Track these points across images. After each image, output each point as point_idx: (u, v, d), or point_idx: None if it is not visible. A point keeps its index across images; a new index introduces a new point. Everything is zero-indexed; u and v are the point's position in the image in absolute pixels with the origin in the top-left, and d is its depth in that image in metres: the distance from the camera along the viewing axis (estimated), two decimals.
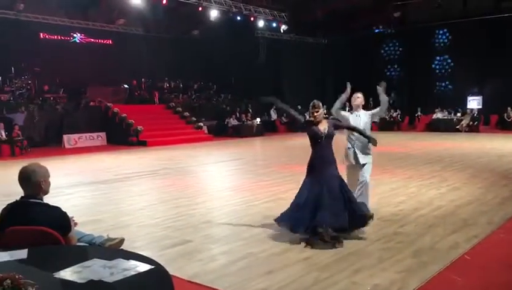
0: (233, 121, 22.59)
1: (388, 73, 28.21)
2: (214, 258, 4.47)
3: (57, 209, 3.03)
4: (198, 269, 4.17)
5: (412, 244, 4.77)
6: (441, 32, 25.97)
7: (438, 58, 26.27)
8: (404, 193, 7.48)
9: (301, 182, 5.22)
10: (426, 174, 9.36)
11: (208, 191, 8.43)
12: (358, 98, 5.94)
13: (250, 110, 24.36)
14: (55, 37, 21.58)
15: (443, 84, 26.33)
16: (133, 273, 2.19)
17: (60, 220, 2.94)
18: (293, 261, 4.32)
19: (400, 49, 27.73)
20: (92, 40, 22.91)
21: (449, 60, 25.93)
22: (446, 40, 26.00)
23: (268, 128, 24.14)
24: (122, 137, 18.86)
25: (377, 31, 27.53)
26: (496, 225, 5.41)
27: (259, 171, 10.46)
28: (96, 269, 2.23)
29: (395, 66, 28.00)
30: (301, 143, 18.00)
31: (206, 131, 21.52)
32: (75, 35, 22.35)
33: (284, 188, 8.08)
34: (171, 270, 4.10)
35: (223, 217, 6.16)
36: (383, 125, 24.13)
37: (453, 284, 3.77)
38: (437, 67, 26.38)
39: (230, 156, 13.90)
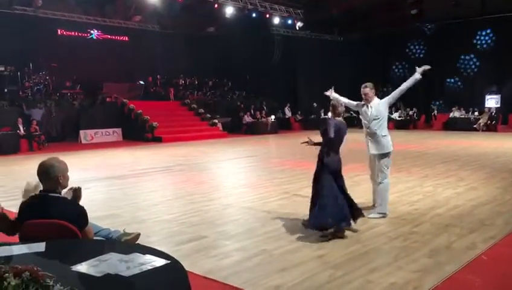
0: (247, 118, 22.60)
1: (404, 70, 27.92)
2: (228, 255, 4.48)
3: (74, 203, 3.07)
4: (213, 265, 4.18)
5: (428, 243, 4.72)
6: (459, 30, 25.56)
7: (462, 57, 25.72)
8: (420, 191, 7.41)
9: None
10: (442, 173, 9.25)
11: (223, 187, 8.45)
12: (365, 87, 5.95)
13: (265, 108, 24.35)
14: (73, 33, 21.81)
15: (459, 82, 25.93)
16: (149, 267, 2.21)
17: (78, 214, 2.98)
18: (307, 258, 4.31)
19: (418, 47, 27.39)
20: (109, 36, 23.11)
21: (475, 60, 25.42)
22: (466, 39, 25.59)
23: (282, 126, 24.11)
24: (137, 133, 19.02)
25: (397, 28, 27.19)
26: None
27: (273, 168, 10.45)
28: (112, 262, 2.25)
29: (413, 64, 27.66)
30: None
31: (220, 128, 21.58)
32: (92, 31, 22.56)
33: (298, 185, 8.07)
34: (186, 266, 4.12)
35: (238, 214, 6.17)
36: (399, 123, 23.97)
37: (469, 284, 3.72)
38: (461, 66, 25.88)
39: (245, 153, 13.92)
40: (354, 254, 4.41)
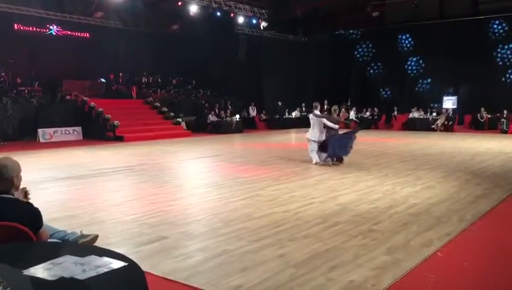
0: (212, 117, 22.49)
1: (366, 72, 28.53)
2: (190, 255, 4.44)
3: (28, 205, 2.97)
4: (174, 266, 4.14)
5: (386, 241, 4.83)
6: (417, 32, 26.35)
7: (412, 58, 26.61)
8: (380, 190, 7.58)
9: (278, 180, 5.25)
10: (401, 172, 9.50)
11: (185, 187, 8.38)
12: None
13: (230, 107, 24.30)
14: (31, 28, 21.05)
15: (419, 84, 26.73)
16: (106, 270, 2.16)
17: (32, 216, 2.88)
18: (268, 258, 4.33)
19: (378, 49, 28.03)
20: (69, 32, 22.43)
21: (420, 61, 26.32)
22: (424, 40, 26.40)
23: (247, 125, 24.13)
24: (98, 132, 18.60)
25: (355, 30, 27.78)
26: (468, 223, 5.54)
27: (237, 168, 10.45)
28: (67, 266, 2.19)
29: (372, 66, 28.30)
30: (279, 140, 18.14)
31: (184, 127, 21.37)
32: (51, 27, 21.85)
33: (261, 185, 8.10)
34: (146, 267, 4.08)
35: (200, 214, 6.13)
36: (359, 123, 24.44)
37: (425, 280, 3.84)
38: (413, 67, 26.74)
39: (209, 153, 13.85)
40: (315, 253, 4.47)
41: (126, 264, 2.25)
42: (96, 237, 3.71)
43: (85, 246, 3.22)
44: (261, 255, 4.41)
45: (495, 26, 23.33)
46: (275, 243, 4.77)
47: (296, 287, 3.67)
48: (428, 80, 26.34)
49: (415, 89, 26.78)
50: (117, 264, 2.23)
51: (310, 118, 10.92)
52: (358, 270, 4.00)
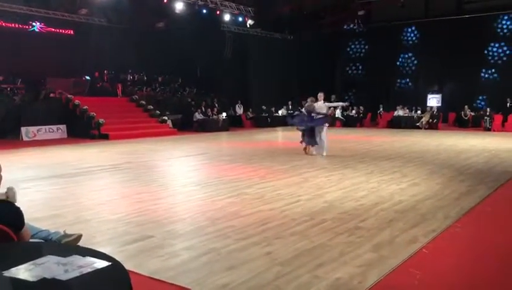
0: (198, 116, 22.39)
1: (351, 71, 28.69)
2: (176, 254, 4.40)
3: (9, 204, 2.90)
4: (159, 265, 4.09)
5: (372, 238, 4.85)
6: (405, 31, 26.57)
7: (402, 55, 26.81)
8: (366, 187, 7.61)
9: (264, 178, 5.24)
10: (387, 169, 9.56)
11: (171, 186, 8.31)
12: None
13: (216, 105, 24.22)
14: (13, 25, 20.75)
15: (404, 82, 26.97)
16: (89, 270, 2.11)
17: (13, 216, 2.82)
18: (255, 256, 4.31)
19: (365, 47, 28.22)
20: (53, 29, 22.18)
21: (413, 58, 26.55)
22: (410, 39, 26.64)
23: (234, 123, 24.10)
24: (83, 130, 18.40)
25: (344, 28, 27.86)
26: (453, 219, 5.59)
27: (223, 166, 10.42)
28: (49, 266, 2.14)
29: (359, 64, 28.47)
30: (265, 138, 18.14)
31: (170, 125, 21.26)
32: (34, 24, 21.57)
33: (248, 183, 8.08)
34: (132, 267, 4.04)
35: (186, 213, 6.09)
36: (346, 121, 24.61)
37: (411, 277, 3.85)
38: (400, 65, 26.96)
39: (195, 151, 13.79)
40: (301, 250, 4.46)
41: (110, 264, 2.21)
42: (79, 237, 3.65)
43: (68, 246, 3.17)
44: (247, 254, 4.39)
45: (480, 25, 23.57)
46: (262, 241, 4.75)
47: (282, 284, 3.66)
48: (413, 78, 26.57)
49: (400, 87, 27.00)
50: (100, 264, 2.19)
51: (318, 107, 12.02)
52: (344, 268, 4.01)
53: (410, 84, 26.80)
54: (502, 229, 5.42)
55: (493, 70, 24.25)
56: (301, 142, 12.24)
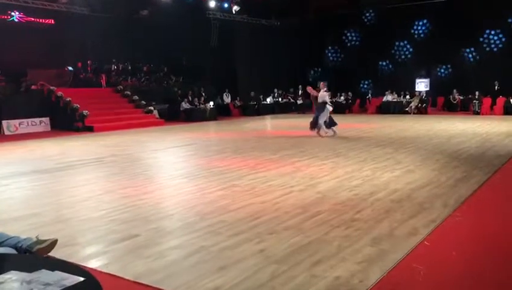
0: (185, 105, 21.96)
1: (338, 56, 28.35)
2: (163, 254, 4.11)
3: None
4: (145, 268, 3.80)
5: (370, 231, 4.61)
6: (391, 15, 26.20)
7: (397, 43, 26.32)
8: (359, 176, 7.37)
9: (255, 168, 4.96)
10: (380, 156, 9.34)
11: (158, 179, 8.00)
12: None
13: (203, 94, 23.80)
14: None
15: (391, 66, 26.68)
16: (56, 289, 1.82)
17: None
18: (248, 254, 4.04)
19: (351, 33, 27.84)
20: (32, 19, 21.46)
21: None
22: (396, 24, 26.29)
23: (221, 113, 23.73)
24: (67, 122, 17.93)
25: (332, 13, 27.42)
26: (452, 208, 5.37)
27: (212, 157, 10.11)
28: (10, 286, 1.84)
29: (346, 50, 28.10)
30: (255, 128, 17.84)
31: (157, 115, 20.84)
32: (13, 13, 20.85)
33: (238, 174, 7.80)
34: (115, 270, 3.76)
35: (174, 208, 5.79)
36: (334, 108, 24.31)
37: (415, 273, 3.62)
38: (392, 51, 26.56)
39: (183, 142, 13.44)
40: (297, 246, 4.20)
41: (82, 279, 1.91)
42: (54, 242, 3.32)
43: (35, 258, 2.85)
44: (239, 251, 4.12)
45: (468, 9, 23.25)
46: (254, 237, 4.48)
47: (278, 286, 3.40)
48: (401, 63, 26.32)
49: (387, 71, 26.75)
50: (71, 280, 1.89)
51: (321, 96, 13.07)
52: (343, 265, 3.76)
53: (397, 68, 26.46)
54: (504, 217, 5.22)
55: (483, 55, 23.96)
56: (311, 128, 13.36)
